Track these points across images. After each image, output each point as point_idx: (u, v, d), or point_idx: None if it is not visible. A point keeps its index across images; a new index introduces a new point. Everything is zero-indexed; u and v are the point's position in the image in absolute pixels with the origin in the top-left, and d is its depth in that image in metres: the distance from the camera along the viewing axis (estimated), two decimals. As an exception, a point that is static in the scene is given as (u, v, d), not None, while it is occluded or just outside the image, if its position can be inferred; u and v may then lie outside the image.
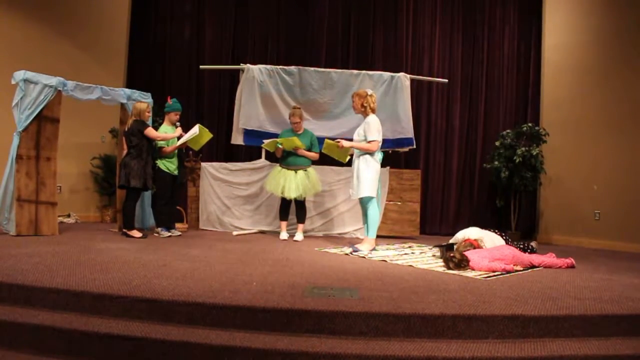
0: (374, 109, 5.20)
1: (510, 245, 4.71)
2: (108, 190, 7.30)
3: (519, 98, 7.93)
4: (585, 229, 6.97)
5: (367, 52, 7.99)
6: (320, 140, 6.19)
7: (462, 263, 4.16)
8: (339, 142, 5.22)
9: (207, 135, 5.91)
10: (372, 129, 5.04)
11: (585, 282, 3.82)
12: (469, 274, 3.98)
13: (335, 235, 6.59)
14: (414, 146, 6.82)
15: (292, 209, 6.09)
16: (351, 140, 5.28)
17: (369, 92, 5.23)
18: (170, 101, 5.88)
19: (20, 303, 2.93)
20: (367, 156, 5.10)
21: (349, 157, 5.41)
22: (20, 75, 5.20)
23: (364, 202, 5.15)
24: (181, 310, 2.75)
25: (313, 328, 2.66)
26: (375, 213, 5.12)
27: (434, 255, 4.98)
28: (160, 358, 2.50)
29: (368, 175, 5.05)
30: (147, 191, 5.79)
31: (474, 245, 4.56)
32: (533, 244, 5.02)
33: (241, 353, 2.45)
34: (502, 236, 4.88)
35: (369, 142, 5.04)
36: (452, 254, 4.24)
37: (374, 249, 5.15)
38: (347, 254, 4.92)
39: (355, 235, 6.52)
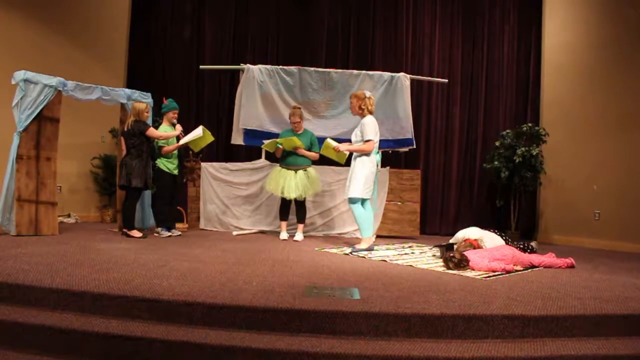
0: (371, 111, 5.22)
1: (510, 245, 4.71)
2: (108, 190, 7.31)
3: (519, 98, 7.93)
4: (585, 229, 6.97)
5: (367, 52, 7.99)
6: (320, 140, 6.19)
7: (462, 263, 4.16)
8: (335, 147, 5.29)
9: (209, 138, 5.93)
10: (368, 130, 5.06)
11: (585, 282, 3.82)
12: (469, 274, 3.98)
13: (335, 235, 6.59)
14: (414, 146, 6.82)
15: (292, 209, 6.10)
16: (349, 141, 5.34)
17: (367, 94, 5.24)
18: (166, 101, 5.90)
19: (20, 303, 2.92)
20: (364, 157, 5.13)
21: (346, 156, 5.48)
22: (20, 75, 5.20)
23: (350, 202, 5.16)
24: (181, 310, 2.75)
25: (313, 328, 2.66)
26: (360, 213, 5.12)
27: (434, 255, 4.98)
28: (160, 358, 2.50)
29: (361, 176, 5.07)
30: (147, 190, 5.80)
31: (474, 245, 4.56)
32: (533, 244, 5.02)
33: (241, 353, 2.45)
34: (501, 236, 4.88)
35: (365, 141, 5.06)
36: (452, 254, 4.24)
37: (372, 248, 5.16)
38: (347, 254, 4.92)
39: (355, 235, 6.51)
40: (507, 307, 2.86)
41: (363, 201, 5.19)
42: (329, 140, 5.48)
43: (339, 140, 5.76)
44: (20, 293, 2.96)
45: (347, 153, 5.37)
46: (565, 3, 7.50)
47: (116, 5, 7.69)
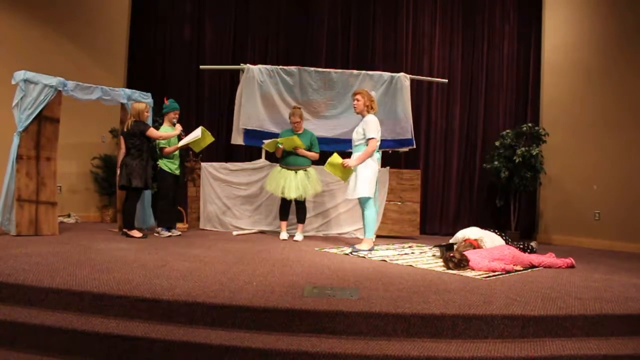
0: (375, 110, 5.25)
1: (510, 245, 4.71)
2: (108, 190, 7.31)
3: (519, 98, 7.93)
4: (585, 229, 6.97)
5: (367, 52, 8.00)
6: (320, 140, 6.20)
7: (462, 263, 4.16)
8: (343, 162, 5.11)
9: (209, 139, 5.93)
10: (372, 128, 5.07)
11: (585, 282, 3.82)
12: (469, 274, 3.98)
13: (334, 235, 6.59)
14: (414, 146, 6.82)
15: (292, 209, 6.10)
16: (349, 141, 5.34)
17: (373, 94, 5.31)
18: (167, 102, 5.90)
19: (20, 303, 2.93)
20: None
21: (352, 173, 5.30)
22: (20, 75, 5.20)
23: (361, 203, 5.17)
24: (181, 310, 2.75)
25: (313, 328, 2.66)
26: (371, 213, 5.13)
27: (434, 255, 4.98)
28: (160, 358, 2.50)
29: (365, 175, 5.07)
30: (147, 190, 5.80)
31: (474, 245, 4.56)
32: (533, 244, 5.02)
33: (241, 353, 2.45)
34: (501, 236, 4.88)
35: (368, 139, 5.06)
36: (452, 254, 4.24)
37: (372, 249, 5.16)
38: (347, 254, 4.92)
39: (355, 235, 6.52)
40: (507, 307, 2.86)
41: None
42: (337, 156, 5.18)
43: (339, 141, 5.76)
44: (20, 293, 2.96)
45: (354, 169, 5.13)
46: (565, 3, 7.50)
47: (116, 5, 7.70)
